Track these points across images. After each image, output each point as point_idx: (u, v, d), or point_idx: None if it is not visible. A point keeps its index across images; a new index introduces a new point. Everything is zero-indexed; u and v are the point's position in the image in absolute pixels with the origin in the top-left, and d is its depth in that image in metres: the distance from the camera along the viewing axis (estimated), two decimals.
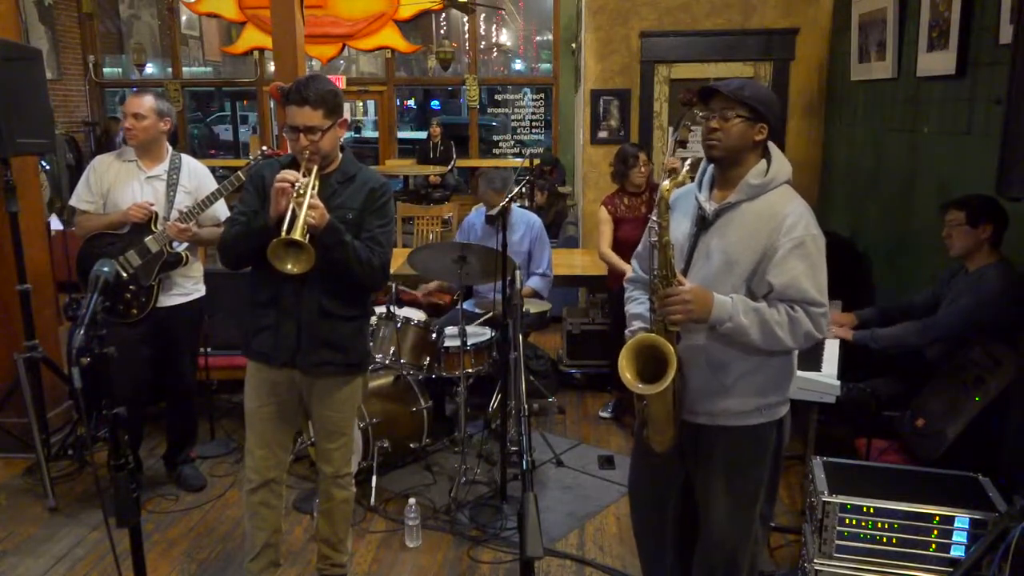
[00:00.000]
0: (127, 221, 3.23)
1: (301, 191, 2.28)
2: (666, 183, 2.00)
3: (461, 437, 3.66)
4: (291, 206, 2.27)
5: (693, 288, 1.99)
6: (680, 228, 2.14)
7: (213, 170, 3.52)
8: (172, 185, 3.33)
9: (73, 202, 3.35)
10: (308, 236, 2.26)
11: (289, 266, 2.28)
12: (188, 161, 3.43)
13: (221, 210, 3.41)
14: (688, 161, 2.11)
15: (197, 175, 3.41)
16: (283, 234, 2.24)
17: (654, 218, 2.01)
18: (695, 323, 2.02)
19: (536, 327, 4.44)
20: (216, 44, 10.72)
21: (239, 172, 3.20)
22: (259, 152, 3.13)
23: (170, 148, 3.40)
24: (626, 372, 2.02)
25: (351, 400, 2.66)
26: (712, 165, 2.14)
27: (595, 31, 5.43)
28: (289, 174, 2.31)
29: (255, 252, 2.34)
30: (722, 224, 2.06)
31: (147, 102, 3.26)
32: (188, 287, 3.42)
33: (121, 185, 3.29)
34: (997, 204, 2.86)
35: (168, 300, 3.34)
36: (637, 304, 2.25)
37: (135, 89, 3.10)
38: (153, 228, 3.25)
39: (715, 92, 2.05)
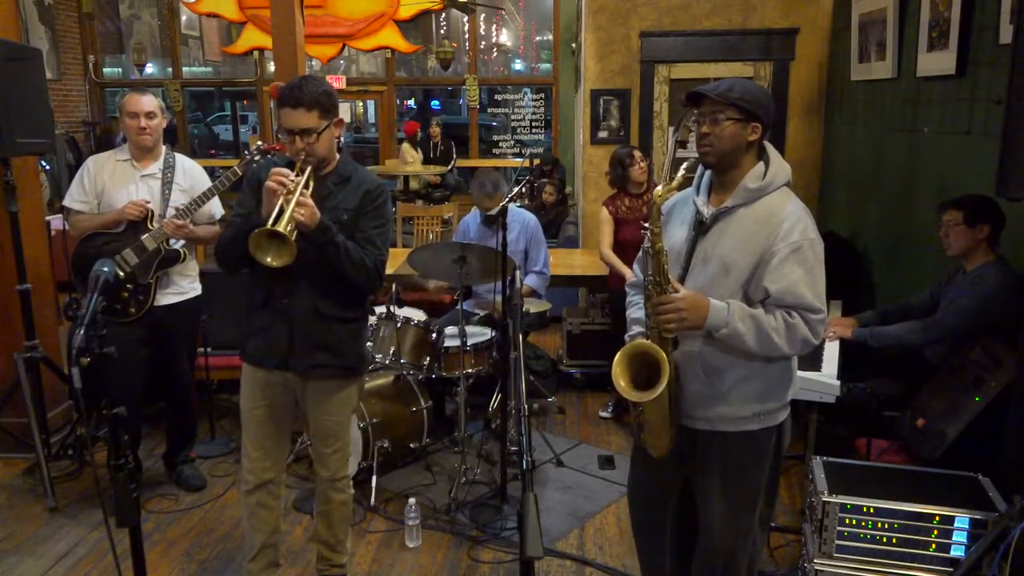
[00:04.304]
0: (123, 219, 3.23)
1: (292, 188, 2.27)
2: (659, 189, 2.00)
3: (461, 437, 3.66)
4: (280, 202, 2.26)
5: (686, 296, 1.97)
6: (678, 233, 2.13)
7: (213, 170, 3.51)
8: (167, 183, 3.33)
9: (67, 203, 3.34)
10: (296, 233, 2.26)
11: (269, 259, 2.27)
12: (182, 160, 3.43)
13: (216, 208, 3.41)
14: (685, 164, 2.10)
15: (192, 173, 3.41)
16: (268, 225, 2.23)
17: (647, 225, 2.00)
18: (690, 330, 2.01)
19: (536, 327, 4.45)
20: (216, 44, 10.73)
21: (234, 168, 3.20)
22: (255, 147, 3.13)
23: (164, 147, 3.39)
24: (620, 379, 2.01)
25: (346, 404, 2.65)
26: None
27: (595, 31, 5.43)
28: (281, 172, 2.31)
29: (248, 253, 2.32)
30: (719, 229, 2.05)
31: (154, 100, 3.28)
32: (184, 285, 3.42)
33: (116, 184, 3.29)
34: (994, 204, 2.87)
35: (165, 299, 3.34)
36: (637, 309, 2.25)
37: (127, 90, 3.04)
38: (149, 226, 3.25)
39: (704, 96, 2.02)
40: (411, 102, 12.68)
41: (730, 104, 1.98)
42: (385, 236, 2.54)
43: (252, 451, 2.61)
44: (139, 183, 3.31)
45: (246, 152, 3.18)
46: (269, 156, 3.01)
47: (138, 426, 3.59)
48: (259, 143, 3.21)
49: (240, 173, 3.19)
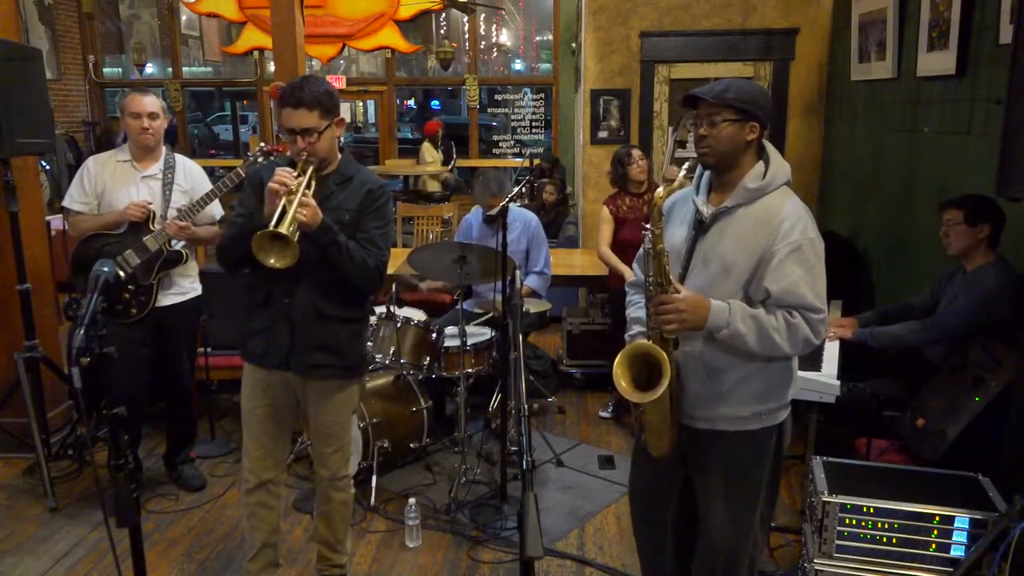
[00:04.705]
0: (124, 220, 3.22)
1: (294, 188, 2.28)
2: (660, 190, 2.00)
3: (461, 437, 3.66)
4: (282, 203, 2.26)
5: (687, 296, 1.97)
6: (678, 233, 2.13)
7: (213, 170, 3.50)
8: (168, 184, 3.32)
9: (66, 203, 3.33)
10: (298, 234, 2.27)
11: (272, 260, 2.27)
12: (183, 160, 3.43)
13: (216, 209, 3.41)
14: (686, 164, 2.10)
15: (192, 174, 3.41)
16: (271, 227, 2.24)
17: (647, 226, 2.00)
18: (691, 331, 2.01)
19: (536, 327, 4.45)
20: (216, 44, 10.73)
21: (237, 169, 3.19)
22: (257, 148, 3.13)
23: (164, 147, 3.39)
24: (621, 380, 2.02)
25: (347, 404, 2.65)
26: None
27: (595, 31, 5.43)
28: (284, 173, 2.31)
29: (251, 253, 2.32)
30: (719, 228, 2.05)
31: (157, 101, 3.27)
32: (185, 286, 3.42)
33: (117, 185, 3.28)
34: (995, 204, 2.87)
35: (166, 299, 3.34)
36: (637, 308, 2.24)
37: (127, 90, 2.99)
38: (151, 227, 3.25)
39: (700, 99, 2.02)
40: (411, 102, 12.68)
41: (726, 105, 1.99)
42: (387, 236, 2.54)
43: (253, 450, 2.61)
44: (140, 184, 3.30)
45: (248, 154, 3.18)
46: (272, 158, 3.01)
47: (138, 426, 3.58)
48: (262, 144, 3.20)
49: (244, 174, 3.19)
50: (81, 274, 3.24)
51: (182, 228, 3.22)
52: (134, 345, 3.26)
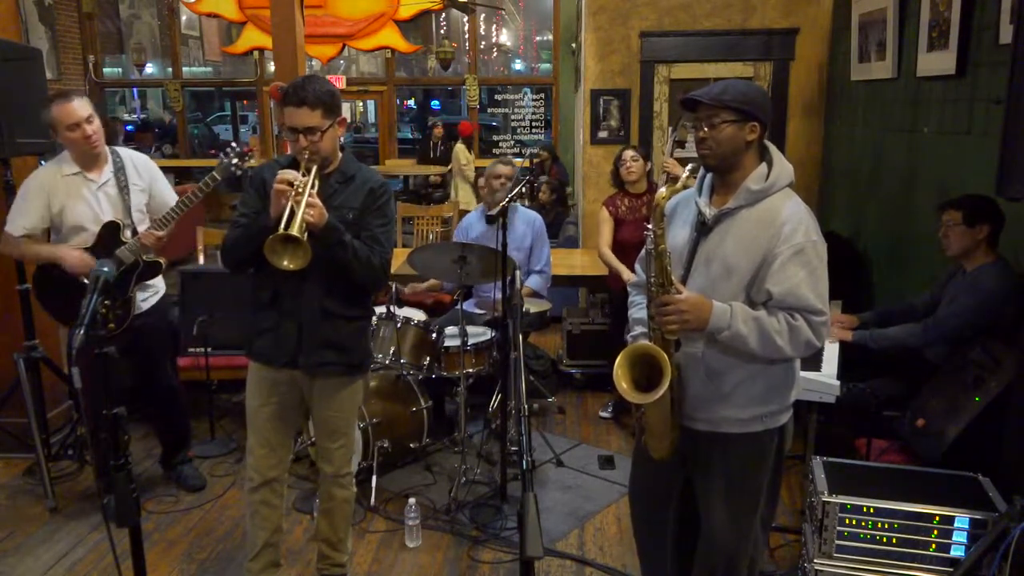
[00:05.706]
0: (60, 263, 3.03)
1: (300, 189, 2.29)
2: (662, 191, 1.99)
3: (461, 437, 3.66)
4: (290, 204, 2.28)
5: (689, 298, 1.97)
6: (681, 234, 2.13)
7: (211, 171, 3.41)
8: (124, 187, 3.15)
9: (9, 229, 3.07)
10: (306, 234, 2.27)
11: (285, 262, 2.29)
12: (128, 155, 3.25)
13: (172, 200, 3.25)
14: (689, 167, 2.10)
15: (145, 168, 3.26)
16: (280, 230, 2.25)
17: (649, 226, 2.00)
18: (692, 332, 2.01)
19: (536, 327, 4.44)
20: (216, 44, 10.74)
21: (213, 173, 3.09)
22: (230, 148, 3.00)
23: (106, 148, 3.16)
24: (622, 382, 2.01)
25: (352, 400, 2.67)
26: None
27: (595, 31, 5.43)
28: (288, 174, 2.32)
29: (256, 254, 2.34)
30: (721, 230, 2.04)
31: (86, 102, 3.04)
32: (156, 284, 3.35)
33: (72, 202, 3.07)
34: (994, 204, 2.87)
35: (142, 305, 3.27)
36: (639, 309, 2.24)
37: (72, 96, 2.75)
38: (122, 239, 3.12)
39: (699, 101, 2.02)
40: (411, 102, 12.69)
41: (724, 106, 1.99)
42: (390, 234, 2.56)
43: (258, 448, 2.62)
44: (96, 195, 3.12)
45: (222, 157, 3.04)
46: (247, 156, 2.98)
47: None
48: (233, 144, 3.13)
49: (219, 178, 3.07)
50: (46, 297, 3.16)
51: (159, 239, 3.09)
52: (116, 358, 3.19)
